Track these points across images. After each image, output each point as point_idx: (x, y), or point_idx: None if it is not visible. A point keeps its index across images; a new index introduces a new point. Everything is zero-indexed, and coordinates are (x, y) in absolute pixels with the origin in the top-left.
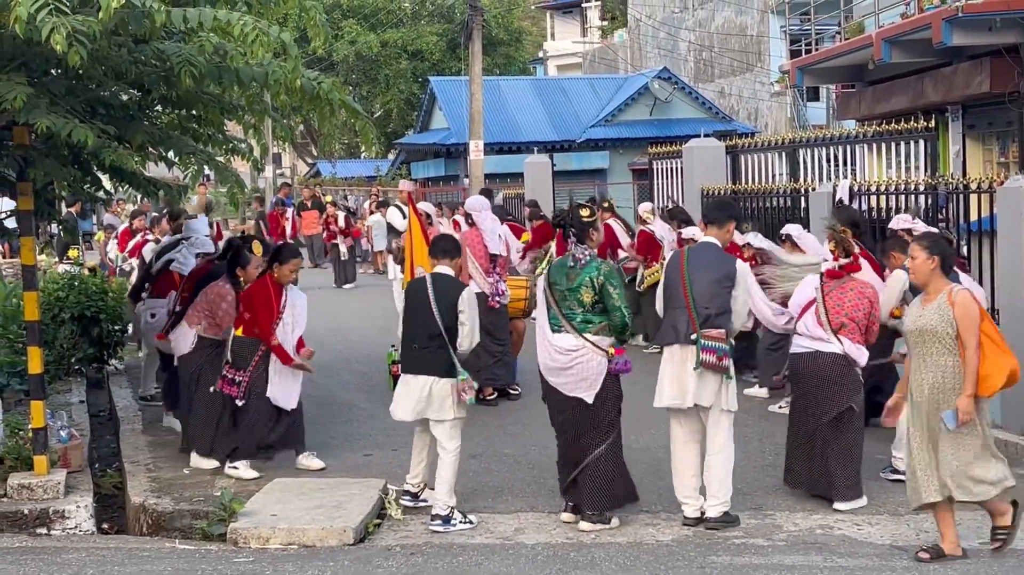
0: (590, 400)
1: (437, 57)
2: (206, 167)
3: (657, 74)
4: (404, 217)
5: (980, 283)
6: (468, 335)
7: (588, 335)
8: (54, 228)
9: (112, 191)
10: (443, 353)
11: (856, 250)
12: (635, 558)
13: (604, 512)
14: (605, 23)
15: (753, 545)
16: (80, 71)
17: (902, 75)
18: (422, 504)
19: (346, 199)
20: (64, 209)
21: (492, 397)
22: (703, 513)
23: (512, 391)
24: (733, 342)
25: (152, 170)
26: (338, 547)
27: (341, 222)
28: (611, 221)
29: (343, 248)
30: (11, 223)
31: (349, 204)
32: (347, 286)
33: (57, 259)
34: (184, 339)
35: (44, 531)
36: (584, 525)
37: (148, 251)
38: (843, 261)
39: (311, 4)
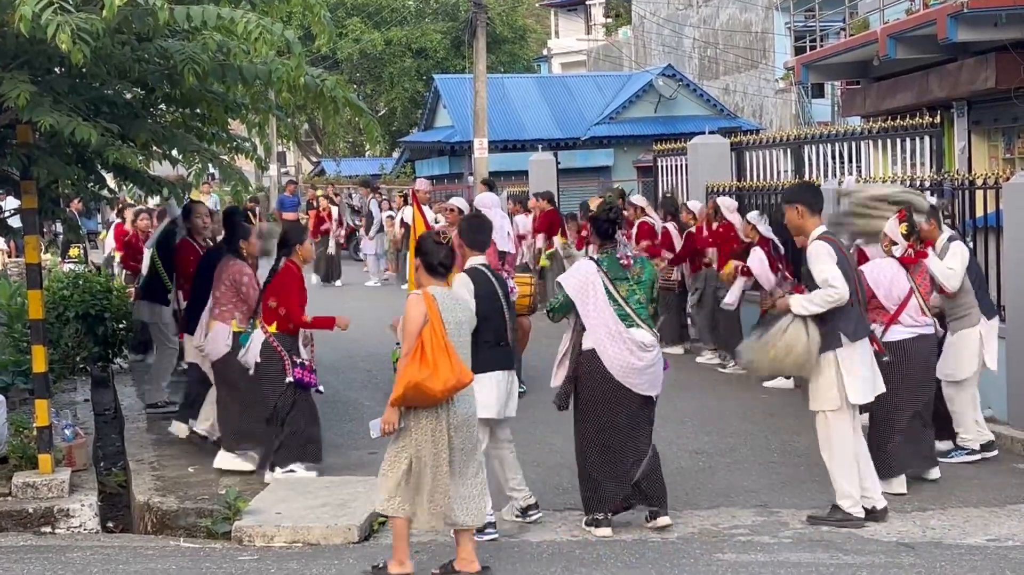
0: (656, 397)
1: (441, 55)
2: (210, 165)
3: (661, 71)
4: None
5: (987, 279)
6: None
7: (656, 330)
8: (59, 227)
9: (116, 190)
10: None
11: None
12: (641, 556)
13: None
14: (609, 20)
15: (759, 542)
16: (83, 69)
17: (907, 71)
18: (534, 516)
19: (351, 197)
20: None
21: None
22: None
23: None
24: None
25: (156, 169)
26: (343, 545)
27: (336, 215)
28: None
29: (332, 243)
30: (15, 222)
31: (354, 202)
32: (337, 283)
33: (61, 258)
34: (219, 339)
35: (49, 530)
36: (663, 520)
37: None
38: (917, 247)
39: (315, 2)
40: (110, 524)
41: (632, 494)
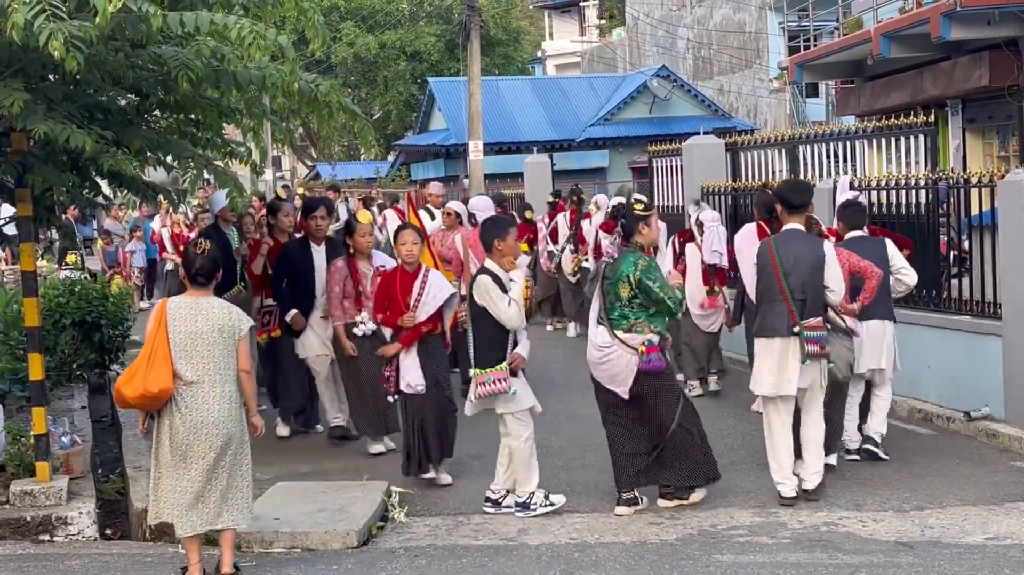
0: (625, 395)
1: (436, 58)
2: (205, 171)
3: (656, 72)
4: (432, 220)
5: (981, 277)
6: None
7: (619, 332)
8: (54, 234)
9: (111, 196)
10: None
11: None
12: (639, 557)
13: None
14: (603, 22)
15: (758, 543)
16: (77, 76)
17: (901, 70)
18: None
19: (347, 201)
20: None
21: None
22: (798, 491)
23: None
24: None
25: (152, 175)
26: (341, 550)
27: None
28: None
29: None
30: (11, 229)
31: (350, 206)
32: None
33: (57, 265)
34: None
35: (47, 538)
36: (661, 502)
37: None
38: None
39: (308, 6)
40: (108, 531)
41: (646, 470)
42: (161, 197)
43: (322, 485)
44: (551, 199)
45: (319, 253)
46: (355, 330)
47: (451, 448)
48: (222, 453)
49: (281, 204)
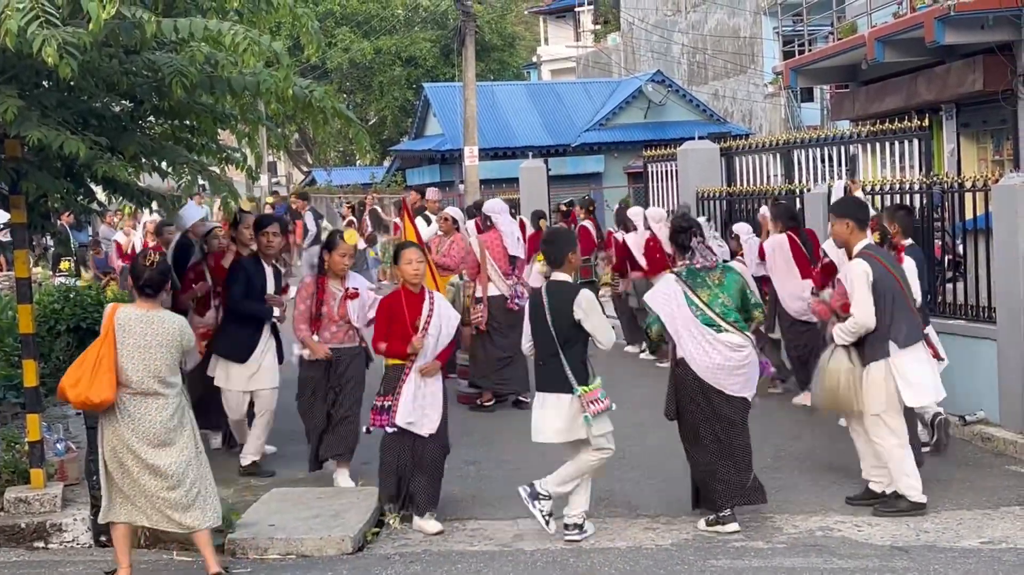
0: (753, 399)
1: (431, 63)
2: (199, 177)
3: (651, 77)
4: (428, 225)
5: (976, 281)
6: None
7: (748, 334)
8: (49, 240)
9: (107, 202)
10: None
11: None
12: (635, 563)
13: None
14: (598, 27)
15: (753, 548)
16: (71, 83)
17: (895, 74)
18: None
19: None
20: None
21: (489, 403)
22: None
23: (523, 399)
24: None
25: (147, 181)
26: (336, 556)
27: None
28: (587, 223)
29: None
30: (5, 236)
31: (343, 211)
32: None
33: (52, 271)
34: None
35: (42, 545)
36: (732, 526)
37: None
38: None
39: (303, 12)
40: (103, 538)
41: (748, 491)
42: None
43: (317, 491)
44: (564, 207)
45: (270, 273)
46: (302, 352)
47: (438, 496)
48: (168, 459)
49: (243, 216)
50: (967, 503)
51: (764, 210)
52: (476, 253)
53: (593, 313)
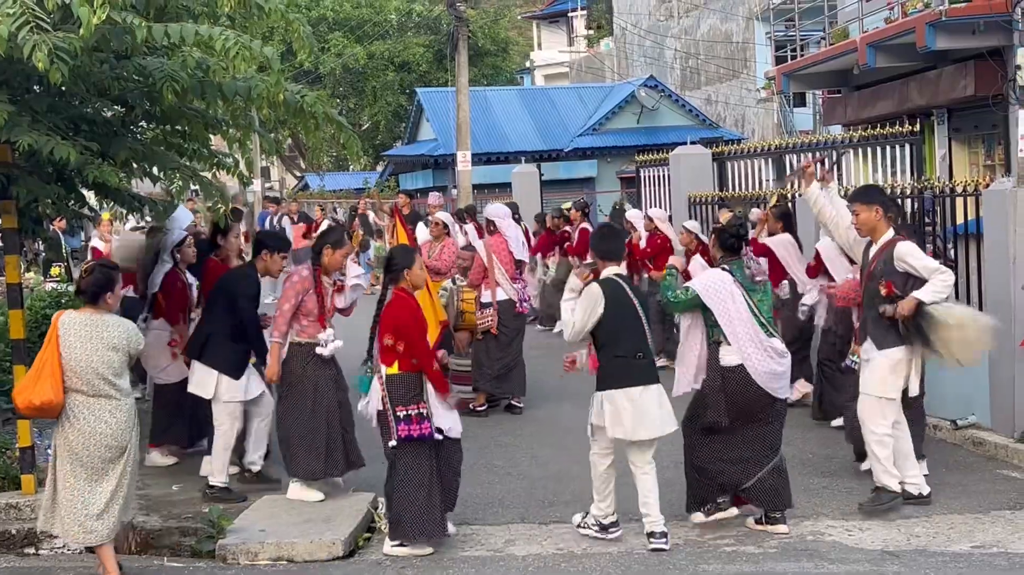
0: (791, 397)
1: (424, 68)
2: (191, 183)
3: (644, 82)
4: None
5: (967, 286)
6: None
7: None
8: (40, 246)
9: (98, 208)
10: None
11: None
12: (626, 567)
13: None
14: (591, 32)
15: (744, 553)
16: (62, 88)
17: (887, 80)
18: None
19: (335, 211)
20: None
21: (482, 408)
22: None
23: (516, 404)
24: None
25: (137, 185)
26: (327, 561)
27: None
28: (585, 225)
29: None
30: None
31: (338, 216)
32: None
33: (43, 277)
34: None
35: (32, 551)
36: (782, 528)
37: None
38: None
39: (295, 17)
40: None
41: (749, 489)
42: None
43: None
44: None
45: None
46: (322, 350)
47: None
48: (118, 463)
49: (231, 225)
50: (958, 507)
51: (756, 211)
52: (483, 258)
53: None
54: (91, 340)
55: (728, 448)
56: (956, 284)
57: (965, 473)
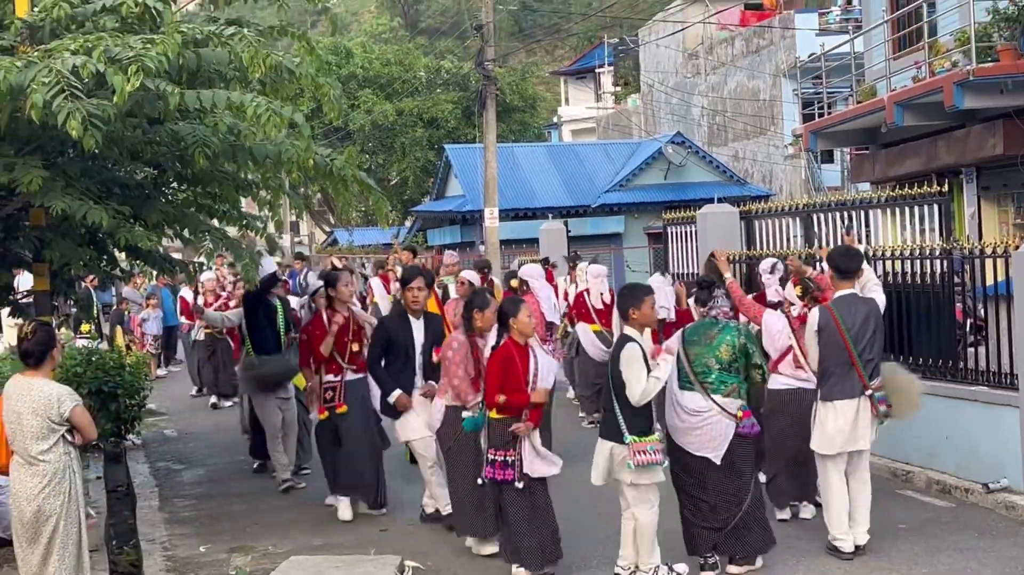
0: (717, 461)
1: (452, 124)
2: (220, 245)
3: (671, 138)
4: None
5: (998, 348)
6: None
7: (718, 397)
8: (72, 307)
9: (129, 267)
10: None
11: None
12: None
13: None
14: (618, 89)
15: None
16: (96, 152)
17: (915, 138)
18: None
19: (363, 267)
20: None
21: None
22: (857, 545)
23: None
24: None
25: (167, 244)
26: None
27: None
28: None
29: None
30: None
31: (367, 272)
32: None
33: (73, 334)
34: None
35: None
36: (733, 569)
37: (235, 315)
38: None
39: (325, 81)
40: None
41: (722, 542)
42: (150, 272)
43: (335, 559)
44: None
45: (418, 327)
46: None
47: None
48: (40, 529)
49: (340, 274)
50: (989, 573)
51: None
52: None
53: (629, 365)
54: (20, 403)
55: (707, 511)
56: (987, 345)
57: (997, 538)
